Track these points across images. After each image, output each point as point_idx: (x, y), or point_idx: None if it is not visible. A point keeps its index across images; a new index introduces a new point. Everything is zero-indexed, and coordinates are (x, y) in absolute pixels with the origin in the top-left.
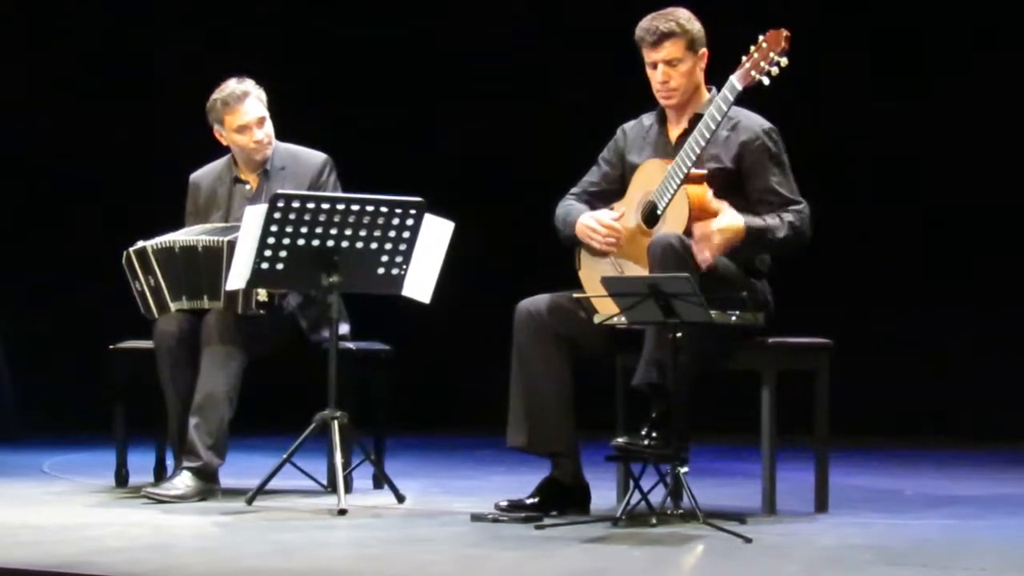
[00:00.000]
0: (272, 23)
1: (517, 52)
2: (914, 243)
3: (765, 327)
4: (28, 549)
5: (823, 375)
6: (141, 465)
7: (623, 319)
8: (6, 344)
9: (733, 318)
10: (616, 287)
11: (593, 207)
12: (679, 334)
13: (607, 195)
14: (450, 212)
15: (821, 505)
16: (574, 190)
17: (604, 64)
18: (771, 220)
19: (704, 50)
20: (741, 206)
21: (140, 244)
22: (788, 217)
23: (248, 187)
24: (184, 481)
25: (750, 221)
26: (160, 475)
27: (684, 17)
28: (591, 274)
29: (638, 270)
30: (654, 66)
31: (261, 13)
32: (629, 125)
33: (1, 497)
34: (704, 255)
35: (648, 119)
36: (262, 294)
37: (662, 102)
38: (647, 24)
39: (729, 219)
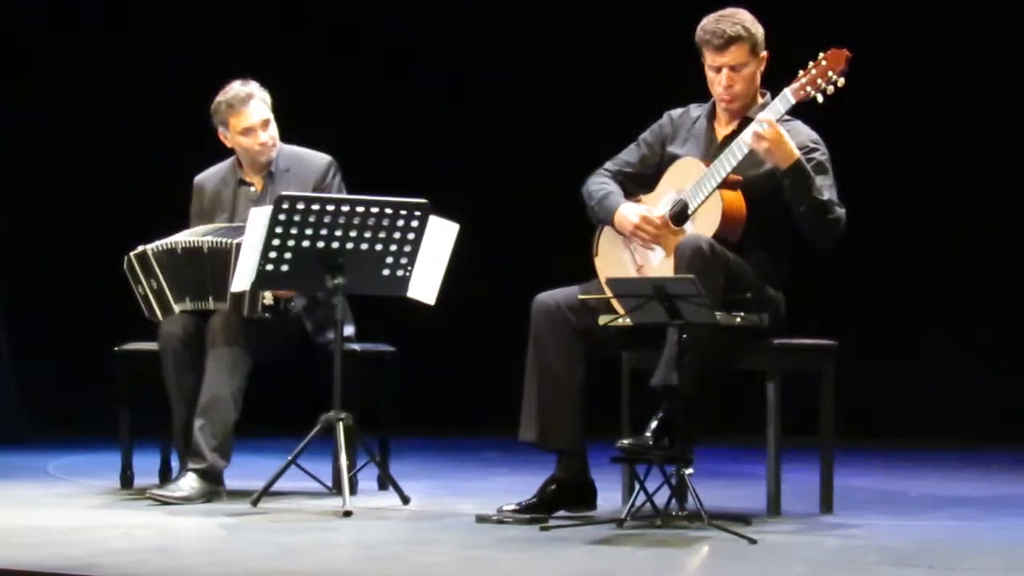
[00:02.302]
0: (272, 22)
1: (518, 52)
2: (916, 243)
3: (775, 332)
4: (33, 551)
5: (828, 376)
6: (146, 467)
7: (627, 320)
8: (11, 346)
9: (738, 319)
10: (621, 288)
11: (625, 190)
12: (685, 335)
13: (641, 179)
14: (454, 213)
15: (826, 506)
16: (609, 166)
17: (610, 63)
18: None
19: (764, 53)
20: (781, 214)
21: (140, 248)
22: (833, 198)
23: (253, 189)
24: (189, 483)
25: (804, 162)
26: (165, 477)
27: (748, 20)
28: (607, 262)
29: (658, 265)
30: (717, 70)
31: (262, 12)
32: (676, 113)
33: (6, 499)
34: (755, 133)
35: (696, 110)
36: (268, 297)
37: (723, 105)
38: (712, 27)
39: (791, 141)
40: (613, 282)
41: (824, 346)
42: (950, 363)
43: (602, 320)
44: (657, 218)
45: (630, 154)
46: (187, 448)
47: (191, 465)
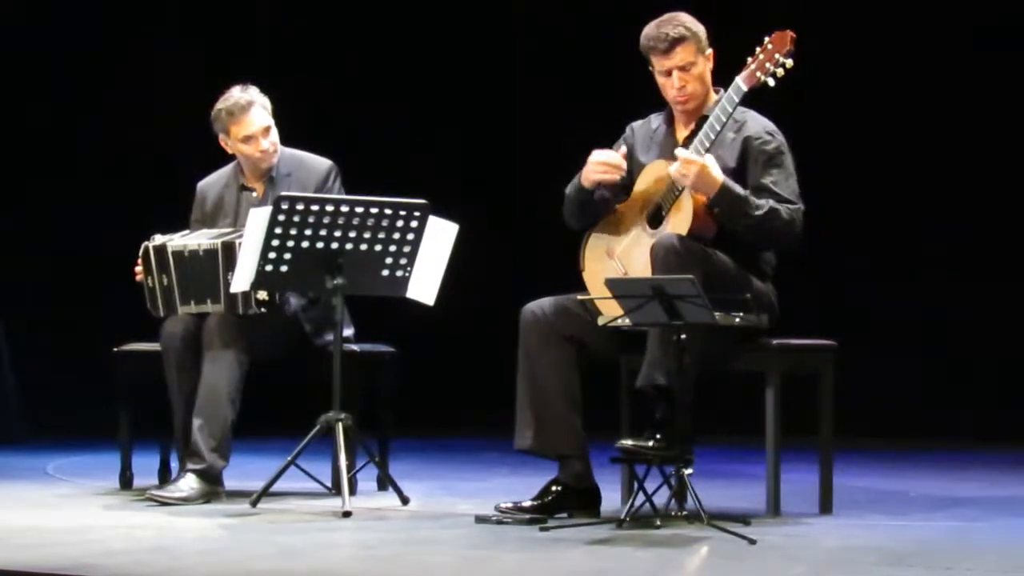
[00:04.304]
0: (272, 23)
1: (518, 51)
2: (916, 243)
3: (770, 328)
4: (32, 551)
5: (827, 376)
6: (145, 467)
7: (627, 321)
8: (10, 346)
9: (737, 319)
10: (620, 289)
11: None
12: (683, 336)
13: (613, 191)
14: (454, 214)
15: (825, 506)
16: None
17: (609, 63)
18: (755, 199)
19: (710, 51)
20: None
21: (159, 240)
22: (775, 205)
23: (255, 194)
24: (188, 483)
25: (731, 184)
26: (164, 477)
27: (689, 21)
28: (595, 275)
29: (641, 270)
30: (667, 73)
31: (261, 13)
32: (637, 124)
33: (5, 499)
34: (677, 170)
35: (656, 120)
36: (262, 292)
37: (679, 108)
38: (654, 32)
39: (714, 167)
40: (612, 282)
41: (824, 346)
42: (949, 363)
43: (601, 321)
44: (616, 155)
45: None
46: (186, 448)
47: (190, 466)
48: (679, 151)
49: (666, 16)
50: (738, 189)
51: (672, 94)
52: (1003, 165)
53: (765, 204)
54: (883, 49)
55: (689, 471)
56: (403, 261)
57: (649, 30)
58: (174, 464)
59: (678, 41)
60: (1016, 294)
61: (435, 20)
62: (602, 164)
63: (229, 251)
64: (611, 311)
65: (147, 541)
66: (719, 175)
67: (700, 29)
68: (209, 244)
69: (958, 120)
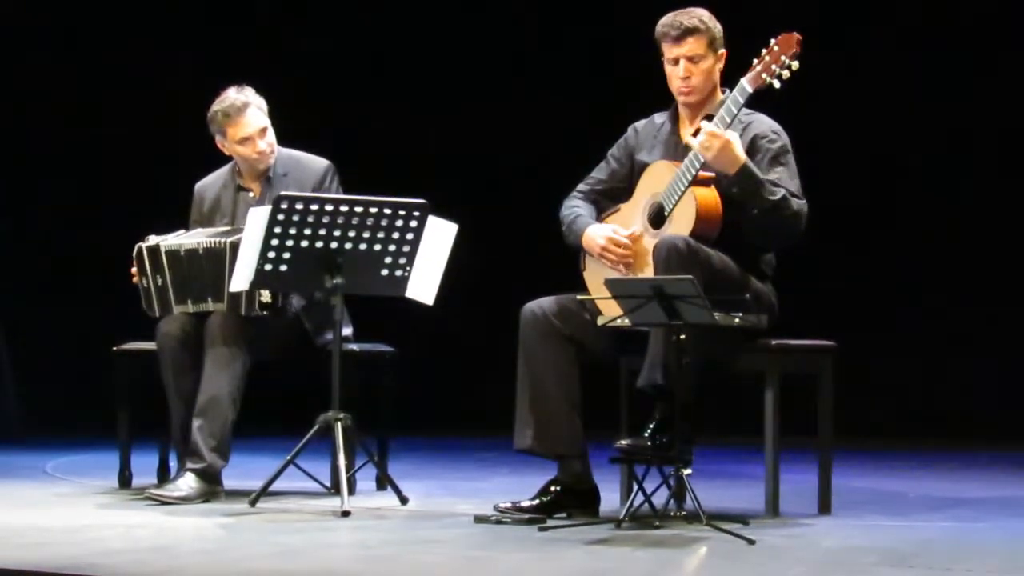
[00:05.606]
0: (269, 23)
1: (517, 52)
2: (915, 244)
3: (769, 329)
4: (31, 551)
5: (827, 377)
6: (144, 467)
7: (627, 321)
8: (11, 346)
9: (737, 320)
10: (620, 289)
11: (599, 206)
12: (683, 336)
13: (614, 193)
14: (453, 214)
15: (824, 507)
16: (581, 187)
17: (607, 64)
18: (772, 185)
19: (723, 51)
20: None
21: (153, 240)
22: (788, 195)
23: (252, 195)
24: (187, 483)
25: (752, 165)
26: (163, 477)
27: (706, 16)
28: (596, 275)
29: (643, 271)
30: (675, 62)
31: (261, 14)
32: (641, 124)
33: (4, 498)
34: (700, 143)
35: (660, 118)
36: (265, 295)
37: (680, 99)
38: (669, 20)
39: (737, 146)
40: (612, 283)
41: (823, 346)
42: (949, 364)
43: (601, 321)
44: (626, 236)
45: (600, 171)
46: (185, 448)
47: (189, 465)
48: (704, 124)
49: (686, 8)
50: (758, 171)
51: (676, 84)
52: (1005, 164)
53: (780, 191)
54: (886, 49)
55: (688, 471)
56: (402, 261)
57: (665, 18)
58: (173, 463)
59: (690, 32)
60: (1016, 294)
61: (435, 19)
62: (613, 255)
63: (236, 251)
64: (611, 311)
65: (146, 540)
66: (741, 154)
67: (716, 26)
68: (209, 243)
69: (958, 119)
